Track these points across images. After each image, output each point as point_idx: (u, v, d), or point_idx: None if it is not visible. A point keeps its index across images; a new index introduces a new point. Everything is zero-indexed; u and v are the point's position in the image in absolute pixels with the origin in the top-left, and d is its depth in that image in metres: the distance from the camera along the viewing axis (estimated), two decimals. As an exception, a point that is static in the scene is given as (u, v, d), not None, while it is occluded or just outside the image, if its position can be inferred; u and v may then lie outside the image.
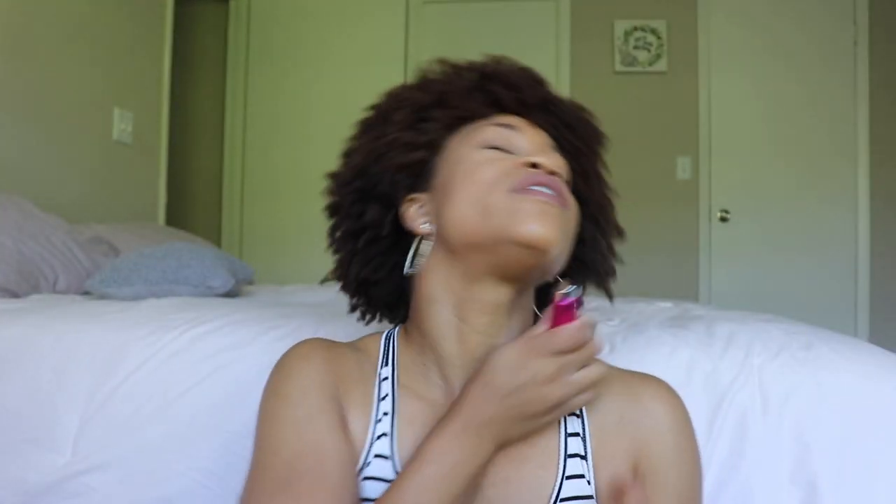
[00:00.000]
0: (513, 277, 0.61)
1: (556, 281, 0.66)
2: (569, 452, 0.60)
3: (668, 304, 1.38)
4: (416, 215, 0.66)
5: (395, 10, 3.44)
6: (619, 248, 0.74)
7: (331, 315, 1.07)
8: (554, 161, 0.62)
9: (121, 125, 2.45)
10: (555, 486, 0.58)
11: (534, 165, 0.61)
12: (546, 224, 0.58)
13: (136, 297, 1.31)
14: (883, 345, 0.93)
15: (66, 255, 1.62)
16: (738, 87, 3.32)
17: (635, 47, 3.37)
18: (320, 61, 3.49)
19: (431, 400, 0.62)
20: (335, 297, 1.61)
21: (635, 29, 3.37)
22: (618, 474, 0.60)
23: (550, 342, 0.54)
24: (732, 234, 3.30)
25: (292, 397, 0.59)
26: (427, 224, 0.65)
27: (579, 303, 0.56)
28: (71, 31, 2.21)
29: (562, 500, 0.57)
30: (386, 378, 0.63)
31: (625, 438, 0.61)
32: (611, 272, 0.73)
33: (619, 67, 3.38)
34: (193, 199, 3.45)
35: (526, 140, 0.65)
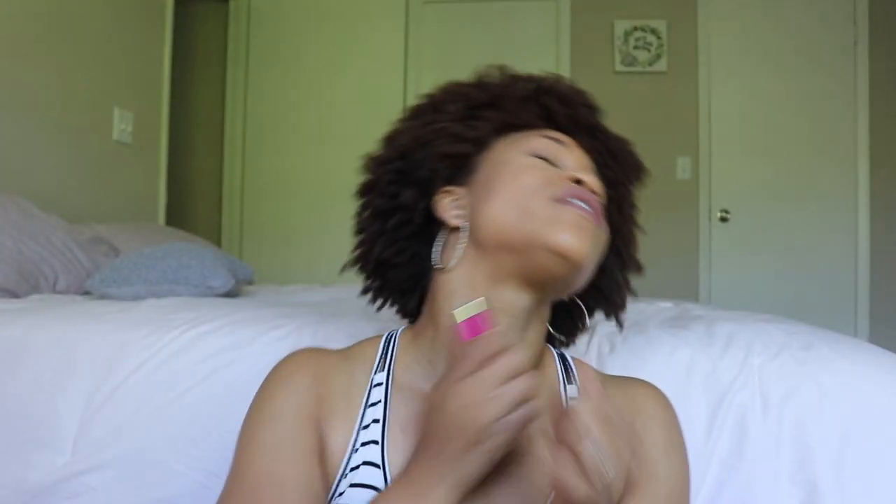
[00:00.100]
0: (537, 284, 0.61)
1: (572, 301, 0.70)
2: None
3: (668, 304, 1.38)
4: (449, 207, 0.66)
5: (395, 9, 3.44)
6: None
7: (331, 315, 1.07)
8: (596, 182, 0.64)
9: (121, 125, 2.45)
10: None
11: (578, 182, 0.63)
12: (581, 237, 0.59)
13: (136, 297, 1.31)
14: (883, 345, 0.93)
15: (66, 255, 1.62)
16: (738, 87, 3.32)
17: (635, 47, 3.37)
18: (320, 61, 3.50)
19: (425, 397, 0.62)
20: (335, 296, 1.61)
21: (635, 29, 3.37)
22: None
23: (461, 365, 0.52)
24: (732, 234, 3.30)
25: (267, 421, 0.60)
26: (459, 218, 0.65)
27: (484, 319, 0.52)
28: (71, 31, 2.21)
29: None
30: (380, 384, 0.63)
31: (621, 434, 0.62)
32: (623, 304, 0.74)
33: (619, 67, 3.38)
34: (193, 199, 3.45)
35: (572, 158, 0.66)
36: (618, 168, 0.72)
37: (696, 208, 3.33)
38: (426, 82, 3.40)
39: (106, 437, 0.93)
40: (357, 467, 0.58)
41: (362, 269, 0.74)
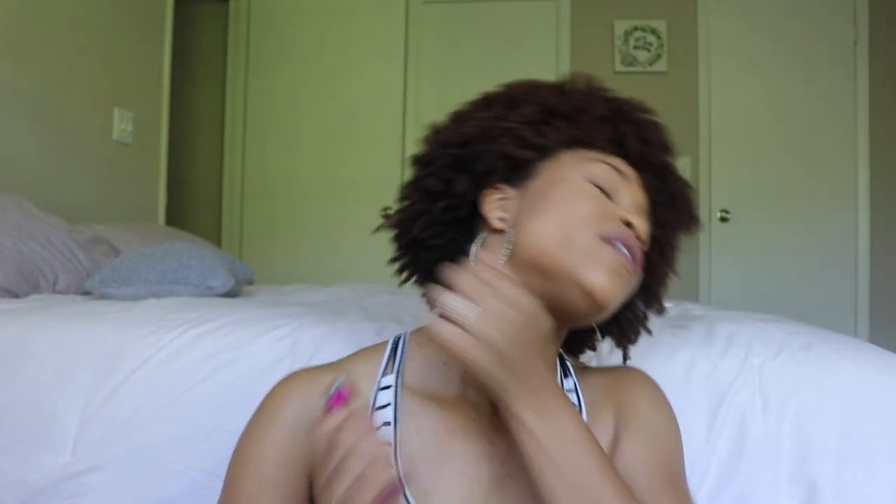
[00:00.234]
0: (557, 312, 0.61)
1: (592, 329, 0.71)
2: None
3: (668, 304, 1.38)
4: (495, 206, 0.65)
5: (395, 9, 3.44)
6: None
7: (331, 315, 1.07)
8: (645, 228, 0.63)
9: (121, 125, 2.45)
10: None
11: (628, 224, 0.62)
12: (613, 282, 0.59)
13: (136, 297, 1.31)
14: (883, 345, 0.93)
15: (66, 255, 1.62)
16: (738, 87, 3.32)
17: (635, 47, 3.37)
18: (320, 61, 3.49)
19: (443, 399, 0.62)
20: (335, 296, 1.61)
21: (635, 29, 3.37)
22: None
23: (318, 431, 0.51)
24: (732, 234, 3.29)
25: (249, 466, 0.60)
26: (501, 221, 0.64)
27: (341, 395, 0.52)
28: (71, 31, 2.21)
29: None
30: (387, 387, 0.62)
31: (609, 410, 0.65)
32: (635, 339, 0.74)
33: (619, 67, 3.38)
34: (193, 199, 3.45)
35: (629, 194, 0.65)
36: (673, 213, 0.70)
37: (697, 208, 3.33)
38: (426, 82, 3.41)
39: (106, 437, 0.93)
40: None
41: (396, 240, 0.72)
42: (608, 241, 0.60)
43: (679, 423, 0.66)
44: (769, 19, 3.31)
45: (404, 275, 0.74)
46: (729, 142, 3.30)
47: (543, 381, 0.54)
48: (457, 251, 0.68)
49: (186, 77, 3.28)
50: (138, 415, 0.93)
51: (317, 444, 0.51)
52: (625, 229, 0.61)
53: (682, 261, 0.76)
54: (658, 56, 3.36)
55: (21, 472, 0.94)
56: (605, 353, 0.89)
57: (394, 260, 0.73)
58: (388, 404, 0.61)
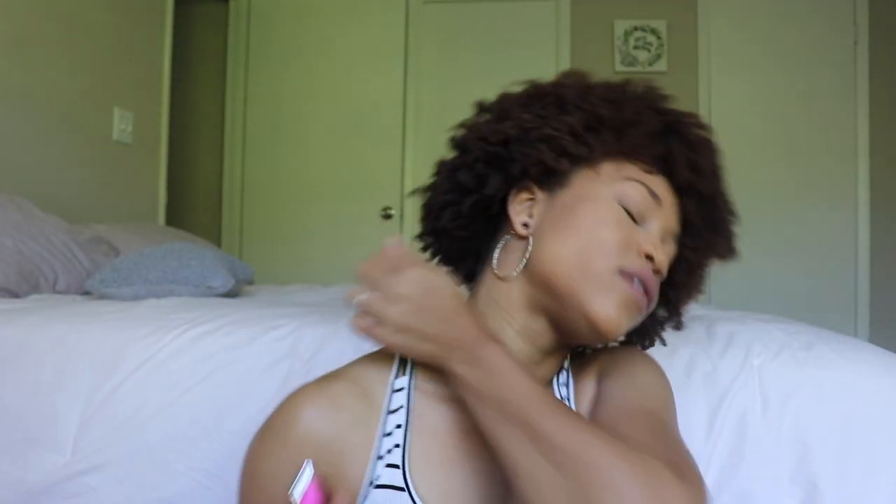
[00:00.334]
0: (563, 332, 0.62)
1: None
2: None
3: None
4: (521, 210, 0.64)
5: (395, 10, 3.44)
6: None
7: (331, 315, 1.07)
8: (665, 261, 0.62)
9: (121, 125, 2.45)
10: None
11: (649, 256, 0.61)
12: (621, 316, 0.59)
13: (136, 297, 1.31)
14: (883, 345, 0.93)
15: (66, 255, 1.62)
16: (738, 87, 3.32)
17: (635, 47, 3.37)
18: (320, 61, 3.49)
19: (457, 400, 0.61)
20: (335, 296, 1.61)
21: (635, 29, 3.37)
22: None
23: None
24: (732, 234, 3.29)
25: (262, 482, 0.59)
26: (525, 227, 0.63)
27: (311, 491, 0.53)
28: (71, 31, 2.21)
29: None
30: (401, 389, 0.61)
31: (593, 373, 0.66)
32: (648, 345, 0.74)
33: (619, 67, 3.38)
34: (193, 199, 3.45)
35: (659, 222, 0.63)
36: (710, 240, 0.68)
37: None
38: (426, 82, 3.41)
39: (106, 437, 0.93)
40: (378, 476, 0.58)
41: (423, 222, 0.72)
42: (624, 275, 0.59)
43: (679, 422, 0.66)
44: (769, 19, 3.31)
45: (427, 254, 0.74)
46: (729, 141, 3.27)
47: (467, 335, 0.55)
48: (480, 243, 0.68)
49: (186, 77, 3.28)
50: (138, 415, 0.93)
51: None
52: (644, 264, 0.60)
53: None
54: (658, 56, 3.36)
55: (21, 472, 0.94)
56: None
57: (419, 237, 0.73)
58: (402, 407, 0.60)
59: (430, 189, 0.70)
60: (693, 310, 1.25)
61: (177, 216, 2.95)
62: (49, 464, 0.93)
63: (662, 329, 0.74)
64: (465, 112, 0.70)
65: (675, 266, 0.67)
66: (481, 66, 3.33)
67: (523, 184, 0.65)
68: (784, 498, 0.76)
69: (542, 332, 0.63)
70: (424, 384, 0.62)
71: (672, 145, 0.64)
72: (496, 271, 0.64)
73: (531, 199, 0.64)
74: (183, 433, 0.92)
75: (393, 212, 3.36)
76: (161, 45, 2.71)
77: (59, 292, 1.55)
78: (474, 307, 0.65)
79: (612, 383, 0.62)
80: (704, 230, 0.68)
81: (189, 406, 0.93)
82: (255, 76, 3.56)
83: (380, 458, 0.58)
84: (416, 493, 0.56)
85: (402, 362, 0.63)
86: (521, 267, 0.62)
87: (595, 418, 0.60)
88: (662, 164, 0.64)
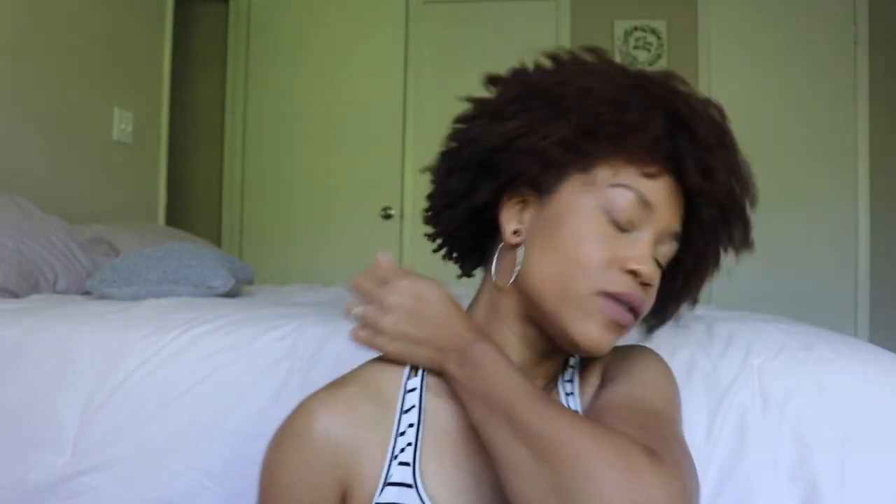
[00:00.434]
0: (556, 344, 0.62)
1: None
2: None
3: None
4: (512, 217, 0.63)
5: (395, 10, 3.44)
6: None
7: (331, 315, 1.07)
8: (653, 273, 0.58)
9: (121, 125, 2.45)
10: None
11: (634, 272, 0.57)
12: (604, 337, 0.58)
13: (136, 297, 1.31)
14: (883, 345, 0.93)
15: (66, 255, 1.62)
16: (738, 88, 3.31)
17: (635, 47, 3.37)
18: (320, 61, 3.49)
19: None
20: (335, 296, 1.61)
21: (635, 29, 3.37)
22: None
23: None
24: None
25: (280, 488, 0.59)
26: (516, 234, 0.62)
27: None
28: (71, 31, 2.21)
29: None
30: (413, 389, 0.62)
31: (598, 370, 0.67)
32: (665, 320, 0.71)
33: (619, 67, 3.38)
34: (193, 199, 3.45)
35: (651, 227, 0.59)
36: (728, 237, 0.64)
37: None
38: (426, 82, 3.41)
39: (106, 437, 0.93)
40: (392, 475, 0.59)
41: (427, 222, 0.71)
42: (606, 296, 0.57)
43: (669, 367, 0.67)
44: (769, 20, 3.31)
45: (436, 243, 0.73)
46: (729, 142, 3.29)
47: (459, 338, 0.58)
48: (483, 242, 0.68)
49: (186, 77, 3.28)
50: (138, 415, 0.93)
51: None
52: (628, 283, 0.57)
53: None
54: (658, 56, 3.36)
55: (21, 472, 0.94)
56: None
57: (429, 238, 0.72)
58: (414, 406, 0.61)
59: (432, 188, 0.70)
60: (693, 310, 1.25)
61: (177, 216, 2.95)
62: (49, 464, 0.93)
63: (677, 309, 0.70)
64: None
65: (681, 255, 0.64)
66: (481, 65, 3.29)
67: (515, 188, 0.63)
68: (784, 498, 0.76)
69: (539, 338, 0.63)
70: (435, 384, 0.62)
71: (681, 146, 0.59)
72: (494, 280, 0.64)
73: (523, 202, 0.63)
74: (183, 433, 0.92)
75: (393, 212, 3.36)
76: (161, 45, 2.71)
77: (59, 292, 1.55)
78: (472, 311, 0.66)
79: (613, 380, 0.62)
80: (717, 222, 0.63)
81: (189, 406, 0.93)
82: (254, 76, 3.56)
83: (395, 456, 0.59)
84: (425, 490, 0.57)
85: None
86: (513, 278, 0.62)
87: (590, 412, 0.60)
88: (671, 163, 0.59)
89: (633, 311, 0.59)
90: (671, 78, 0.62)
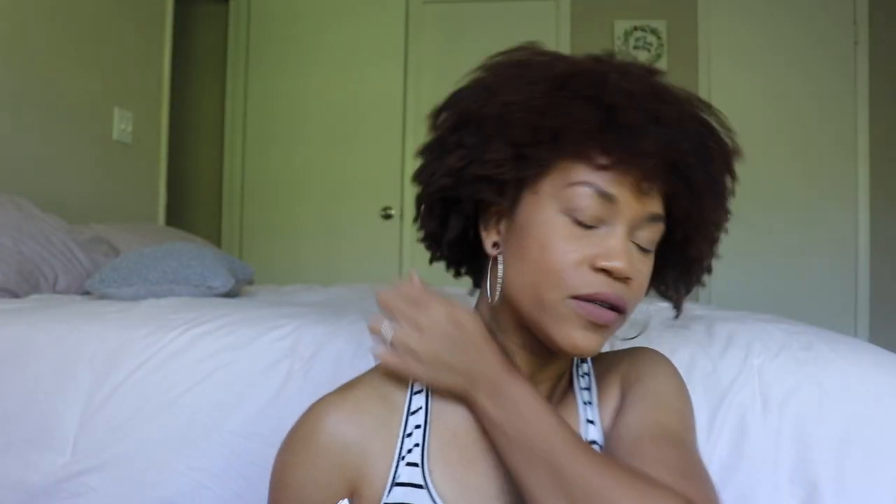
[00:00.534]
0: (549, 350, 0.62)
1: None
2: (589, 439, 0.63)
3: (668, 304, 1.38)
4: (491, 229, 0.62)
5: (395, 10, 3.44)
6: None
7: (331, 315, 1.07)
8: (628, 267, 0.56)
9: (121, 125, 2.45)
10: None
11: (606, 270, 0.56)
12: (590, 338, 0.57)
13: (136, 297, 1.31)
14: (883, 345, 0.93)
15: (66, 255, 1.62)
16: (738, 88, 3.32)
17: (635, 47, 3.37)
18: (320, 61, 3.49)
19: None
20: (335, 296, 1.61)
21: (635, 29, 3.37)
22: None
23: None
24: (732, 234, 3.27)
25: (290, 491, 0.60)
26: (495, 247, 0.62)
27: None
28: (71, 31, 2.21)
29: None
30: (420, 391, 0.63)
31: (617, 383, 0.66)
32: (694, 283, 0.70)
33: (619, 67, 3.38)
34: (193, 199, 3.45)
35: (621, 217, 0.57)
36: (702, 209, 0.62)
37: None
38: (426, 82, 3.41)
39: (106, 437, 0.93)
40: (400, 475, 0.59)
41: (419, 231, 0.70)
42: (580, 298, 0.56)
43: (677, 370, 0.67)
44: (769, 19, 3.31)
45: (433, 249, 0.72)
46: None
47: (492, 370, 0.58)
48: (478, 255, 0.67)
49: (186, 77, 3.28)
50: (138, 415, 0.93)
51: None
52: (601, 283, 0.56)
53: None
54: (658, 56, 3.36)
55: (21, 472, 0.94)
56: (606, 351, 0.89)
57: (420, 227, 0.70)
58: (420, 408, 0.62)
59: (418, 210, 0.68)
60: (693, 310, 1.25)
61: (177, 216, 2.95)
62: (49, 464, 0.93)
63: (701, 272, 0.68)
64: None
65: (675, 226, 0.62)
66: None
67: (485, 206, 0.62)
68: (784, 497, 0.76)
69: (540, 344, 0.62)
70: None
71: (623, 128, 0.55)
72: (487, 295, 0.64)
73: (498, 213, 0.62)
74: (183, 433, 0.92)
75: (393, 212, 3.36)
76: (161, 45, 2.71)
77: (59, 292, 1.55)
78: (494, 339, 0.63)
79: (632, 401, 0.62)
80: (693, 205, 0.61)
81: (189, 406, 0.93)
82: (255, 76, 3.56)
83: (402, 457, 0.59)
84: (435, 489, 0.58)
85: None
86: (498, 290, 0.61)
87: (618, 434, 0.60)
88: (625, 148, 0.55)
89: (616, 307, 0.57)
90: (599, 63, 0.60)
